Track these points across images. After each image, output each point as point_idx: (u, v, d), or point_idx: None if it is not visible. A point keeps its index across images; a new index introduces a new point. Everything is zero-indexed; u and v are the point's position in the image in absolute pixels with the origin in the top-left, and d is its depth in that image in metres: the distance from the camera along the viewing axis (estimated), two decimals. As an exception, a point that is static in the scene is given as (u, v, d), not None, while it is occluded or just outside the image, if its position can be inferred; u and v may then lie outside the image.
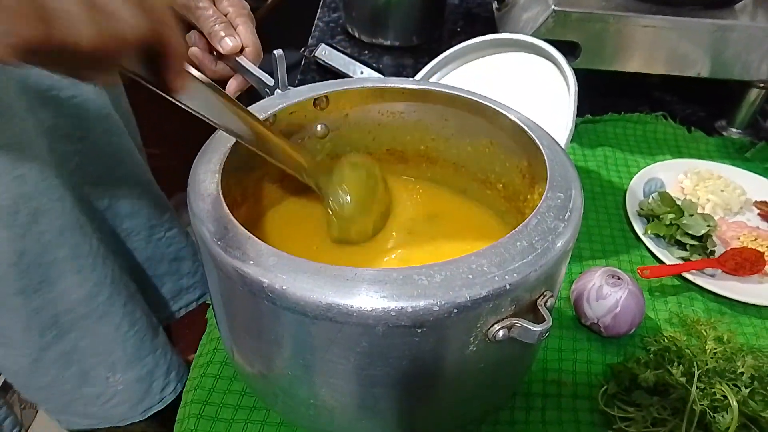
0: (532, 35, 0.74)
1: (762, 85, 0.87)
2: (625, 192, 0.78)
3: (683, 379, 0.52)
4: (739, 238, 0.72)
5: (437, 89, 0.53)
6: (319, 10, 1.18)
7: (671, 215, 0.71)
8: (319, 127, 0.55)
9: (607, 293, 0.58)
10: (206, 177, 0.42)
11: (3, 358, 0.76)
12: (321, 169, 0.53)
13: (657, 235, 0.71)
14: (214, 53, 0.62)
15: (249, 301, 0.37)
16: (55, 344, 0.74)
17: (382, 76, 0.92)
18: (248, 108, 0.45)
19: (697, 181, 0.79)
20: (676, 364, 0.54)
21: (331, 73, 0.96)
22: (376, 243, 0.55)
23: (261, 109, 0.50)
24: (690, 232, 0.70)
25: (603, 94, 0.97)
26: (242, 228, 0.37)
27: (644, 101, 0.98)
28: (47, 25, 0.29)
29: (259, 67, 0.60)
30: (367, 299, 0.33)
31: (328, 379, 0.39)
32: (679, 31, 0.82)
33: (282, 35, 0.87)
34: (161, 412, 0.84)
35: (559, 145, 0.47)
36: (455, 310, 0.34)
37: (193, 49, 0.62)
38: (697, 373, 0.53)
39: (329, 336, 0.35)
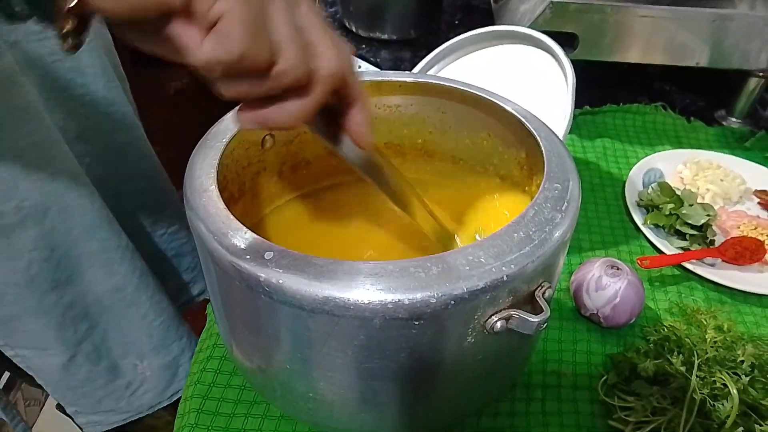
0: (529, 27, 0.73)
1: (761, 74, 0.87)
2: (624, 183, 0.78)
3: (683, 369, 0.52)
4: (739, 227, 0.71)
5: (434, 82, 0.53)
6: (316, 4, 1.17)
7: (671, 205, 0.71)
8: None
9: (606, 284, 0.58)
10: (203, 172, 0.42)
11: (38, 362, 0.77)
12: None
13: (656, 226, 0.71)
14: None
15: (246, 296, 0.37)
16: (87, 338, 0.76)
17: (379, 70, 0.92)
18: None
19: (697, 170, 0.79)
20: (675, 353, 0.54)
21: (328, 67, 0.96)
22: (374, 237, 0.55)
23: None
24: (689, 221, 0.70)
25: (601, 85, 0.96)
26: (239, 223, 0.37)
27: (643, 92, 0.98)
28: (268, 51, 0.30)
29: None
30: (364, 292, 0.33)
31: (326, 372, 0.39)
32: (678, 21, 0.81)
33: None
34: None
35: (556, 136, 0.47)
36: (452, 302, 0.34)
37: None
38: (697, 362, 0.53)
39: (326, 330, 0.35)
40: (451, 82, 0.53)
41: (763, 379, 0.52)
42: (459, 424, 0.52)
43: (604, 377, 0.55)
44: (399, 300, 0.33)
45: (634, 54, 0.85)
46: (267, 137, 0.52)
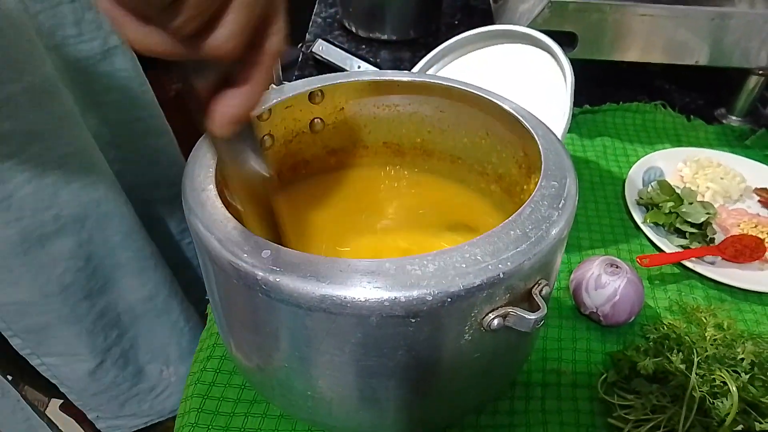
0: (528, 26, 0.73)
1: (761, 72, 0.87)
2: (624, 181, 0.78)
3: (683, 367, 0.52)
4: (739, 225, 0.71)
5: (432, 81, 0.53)
6: (316, 5, 1.17)
7: (670, 204, 0.71)
8: (314, 122, 0.55)
9: (606, 282, 0.58)
10: (201, 171, 0.42)
11: (65, 370, 0.76)
12: None
13: (656, 224, 0.71)
14: None
15: (244, 295, 0.37)
16: (117, 344, 0.76)
17: (378, 70, 0.92)
18: None
19: (697, 169, 0.79)
20: (675, 351, 0.54)
21: (328, 68, 0.96)
22: (373, 235, 0.55)
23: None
24: (689, 220, 0.70)
25: (601, 84, 0.96)
26: (236, 221, 0.37)
27: (643, 90, 0.98)
28: None
29: None
30: (361, 290, 0.33)
31: (324, 370, 0.39)
32: (677, 20, 0.81)
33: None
34: None
35: (554, 134, 0.47)
36: (449, 300, 0.34)
37: None
38: (696, 360, 0.53)
39: (324, 327, 0.35)
40: (449, 81, 0.53)
41: (763, 377, 0.52)
42: (458, 421, 0.52)
43: (604, 375, 0.55)
44: (395, 297, 0.33)
45: (633, 53, 0.85)
46: (266, 137, 0.52)
